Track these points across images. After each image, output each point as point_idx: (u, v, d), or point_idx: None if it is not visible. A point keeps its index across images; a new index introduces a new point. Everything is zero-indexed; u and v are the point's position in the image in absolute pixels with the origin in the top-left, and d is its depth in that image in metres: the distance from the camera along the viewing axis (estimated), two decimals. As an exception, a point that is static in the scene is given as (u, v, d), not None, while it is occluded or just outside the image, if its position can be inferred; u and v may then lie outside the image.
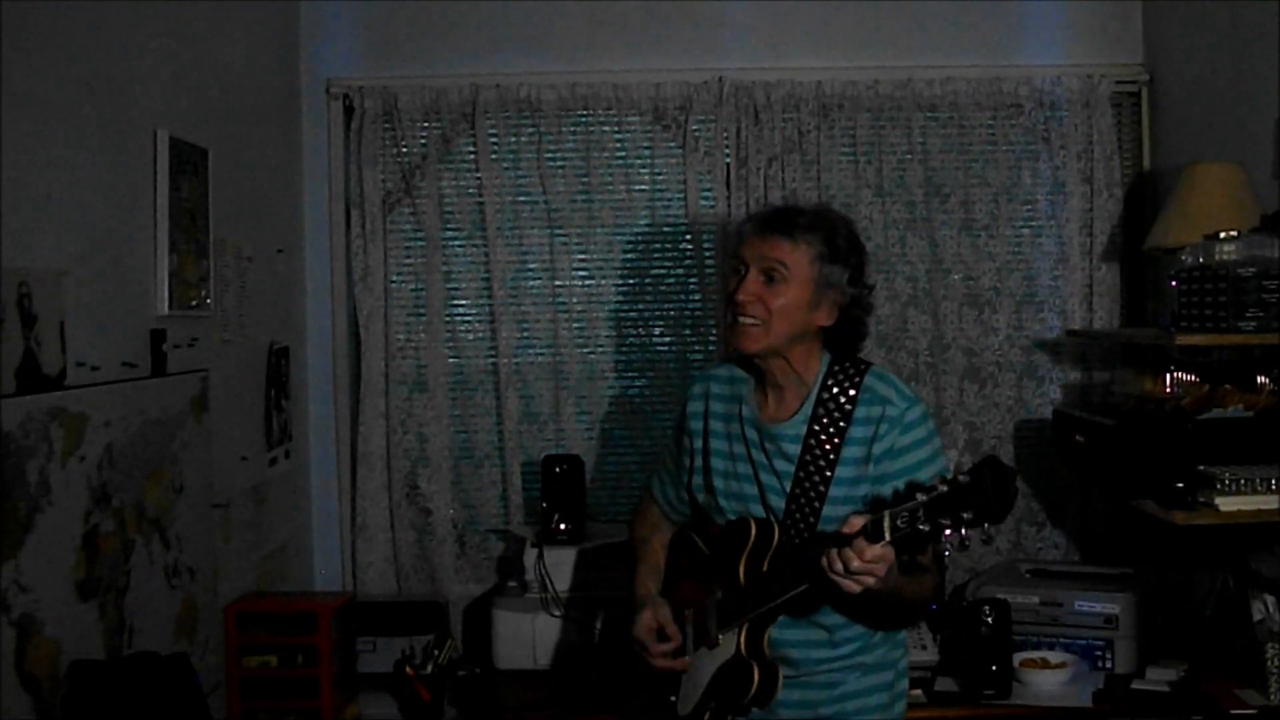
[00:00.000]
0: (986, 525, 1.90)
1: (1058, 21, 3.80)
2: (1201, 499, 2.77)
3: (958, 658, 3.14)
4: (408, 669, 3.27)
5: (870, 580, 2.01)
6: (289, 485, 3.58)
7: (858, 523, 2.01)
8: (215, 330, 3.02)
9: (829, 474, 2.24)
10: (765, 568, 2.24)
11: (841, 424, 2.25)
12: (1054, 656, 3.16)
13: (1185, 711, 2.94)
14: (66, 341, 2.28)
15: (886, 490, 2.18)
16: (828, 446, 2.25)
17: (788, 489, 2.28)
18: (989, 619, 3.04)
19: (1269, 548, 2.92)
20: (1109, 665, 3.20)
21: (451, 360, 3.83)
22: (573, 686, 3.18)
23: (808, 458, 2.26)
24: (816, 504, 2.24)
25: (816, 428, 2.26)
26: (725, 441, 2.38)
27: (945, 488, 1.91)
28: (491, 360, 3.81)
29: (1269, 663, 2.85)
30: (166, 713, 2.31)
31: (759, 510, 2.31)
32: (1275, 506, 2.70)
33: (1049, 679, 3.09)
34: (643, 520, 2.62)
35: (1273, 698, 2.85)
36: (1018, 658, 3.11)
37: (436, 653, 3.32)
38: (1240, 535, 2.94)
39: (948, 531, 1.92)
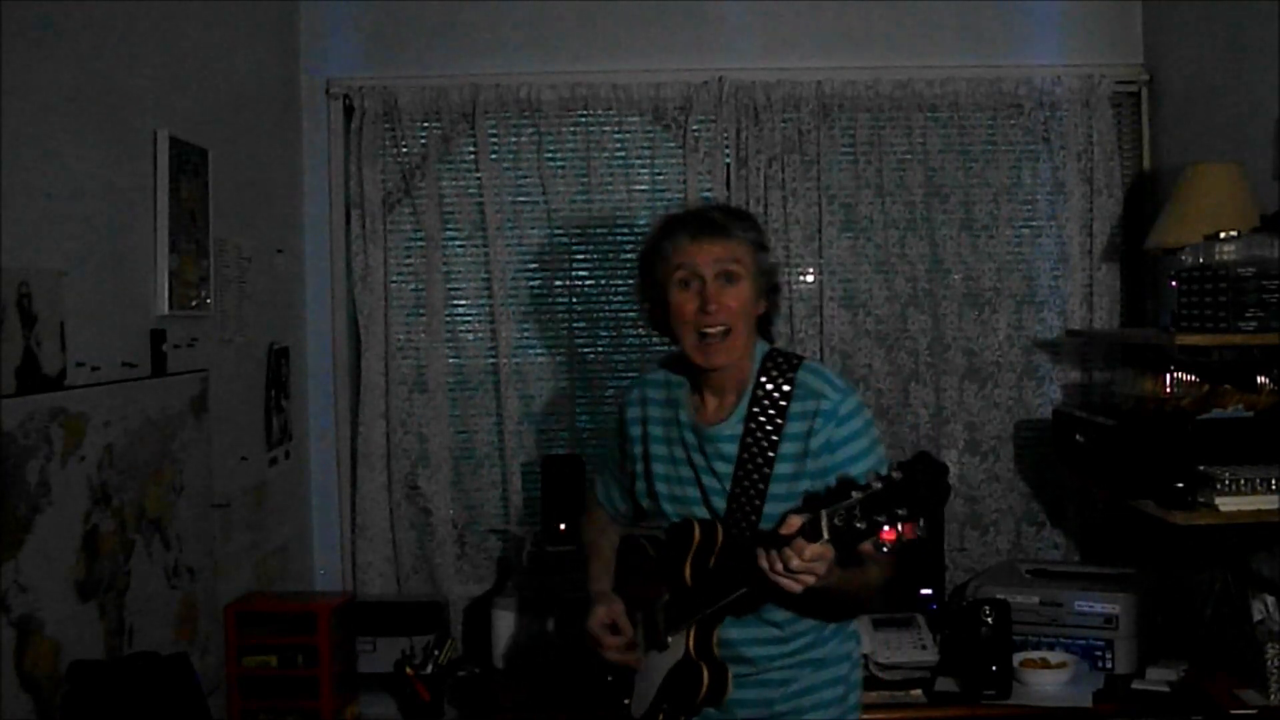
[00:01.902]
0: (921, 521, 1.92)
1: (1058, 21, 3.80)
2: (1201, 499, 2.77)
3: (958, 658, 3.14)
4: (408, 669, 3.27)
5: (811, 579, 2.01)
6: (289, 485, 3.58)
7: (795, 523, 2.01)
8: (215, 330, 3.02)
9: (767, 471, 2.24)
10: (710, 569, 2.24)
11: (777, 421, 2.25)
12: (1054, 656, 3.16)
13: (1185, 711, 2.94)
14: (66, 341, 2.28)
15: (828, 484, 2.18)
16: (765, 444, 2.25)
17: (728, 489, 2.28)
18: (989, 619, 3.04)
19: (1269, 548, 2.92)
20: (1109, 665, 3.20)
21: (451, 360, 3.83)
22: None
23: (745, 457, 2.26)
24: (757, 502, 2.25)
25: (753, 425, 2.26)
26: (665, 446, 2.38)
27: (880, 485, 1.92)
28: (491, 360, 3.81)
29: (1269, 663, 2.85)
30: (166, 713, 2.31)
31: (702, 512, 2.31)
32: (1275, 506, 2.70)
33: (1049, 679, 3.09)
34: (591, 523, 2.62)
35: (1273, 698, 2.85)
36: (1018, 658, 3.11)
37: (436, 653, 3.32)
38: (1240, 535, 2.94)
39: (885, 528, 1.93)
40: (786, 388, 2.27)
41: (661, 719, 2.32)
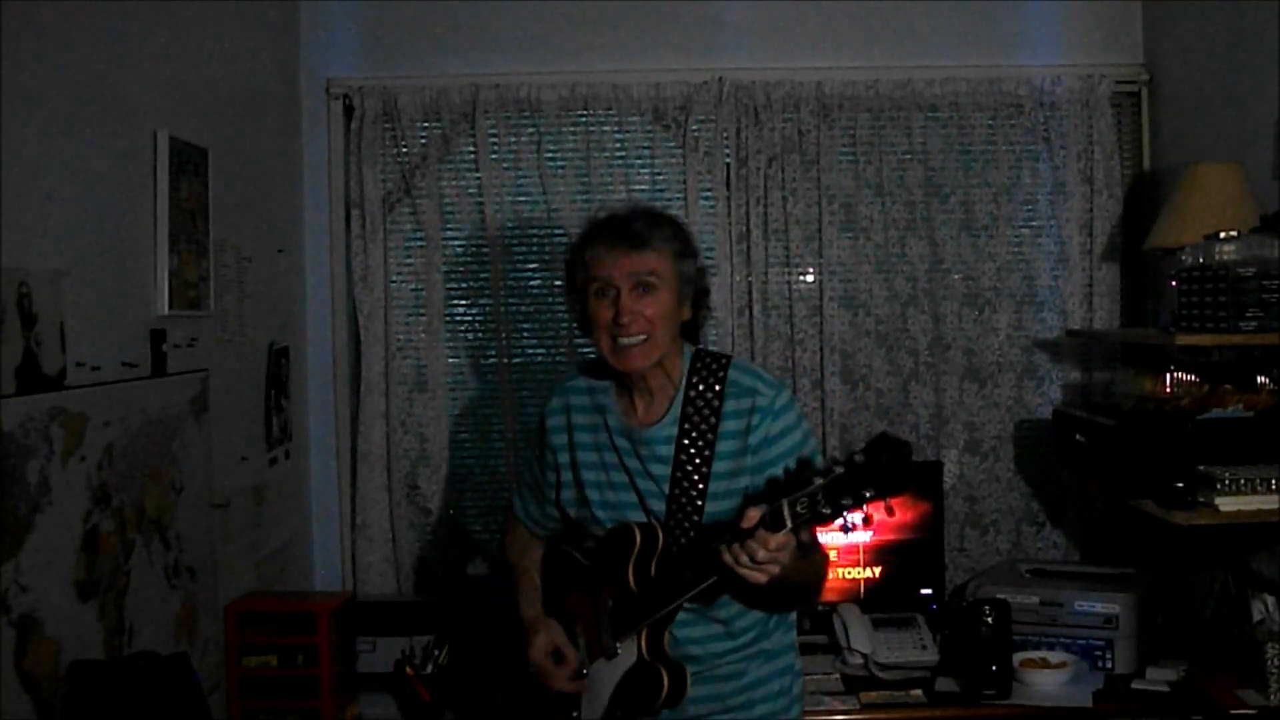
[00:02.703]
0: (888, 500, 1.94)
1: (1058, 21, 3.80)
2: (1201, 499, 2.77)
3: (958, 658, 3.14)
4: (408, 669, 3.27)
5: (776, 569, 2.02)
6: (289, 485, 3.58)
7: (756, 515, 2.01)
8: (215, 330, 3.02)
9: (706, 471, 2.24)
10: (654, 571, 2.23)
11: (712, 420, 2.26)
12: (1054, 656, 3.16)
13: (1185, 711, 2.94)
14: (66, 341, 2.28)
15: (771, 475, 2.19)
16: (701, 444, 2.25)
17: (666, 491, 2.27)
18: (989, 619, 3.04)
19: (1269, 548, 2.92)
20: (1109, 665, 3.20)
21: (451, 360, 3.83)
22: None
23: (682, 458, 2.26)
24: (699, 502, 2.24)
25: (687, 426, 2.26)
26: (594, 453, 2.36)
27: (842, 469, 1.93)
28: (491, 360, 3.82)
29: (1269, 663, 2.85)
30: (166, 713, 2.31)
31: (638, 515, 2.30)
32: (1275, 506, 2.70)
33: (1049, 679, 3.09)
34: (512, 542, 2.60)
35: (1273, 698, 2.85)
36: (1018, 658, 3.11)
37: (436, 653, 3.32)
38: (1240, 535, 2.94)
39: (848, 512, 1.93)
40: (718, 387, 2.28)
41: None
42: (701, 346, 2.38)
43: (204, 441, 2.86)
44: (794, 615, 2.44)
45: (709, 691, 2.31)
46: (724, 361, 2.31)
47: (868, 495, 1.91)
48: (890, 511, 2.05)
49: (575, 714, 2.38)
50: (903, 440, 1.91)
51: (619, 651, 2.29)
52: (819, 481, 1.95)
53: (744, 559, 2.01)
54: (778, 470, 2.19)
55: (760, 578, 2.03)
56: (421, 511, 3.80)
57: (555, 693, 2.40)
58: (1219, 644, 3.12)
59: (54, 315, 2.24)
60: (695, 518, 2.24)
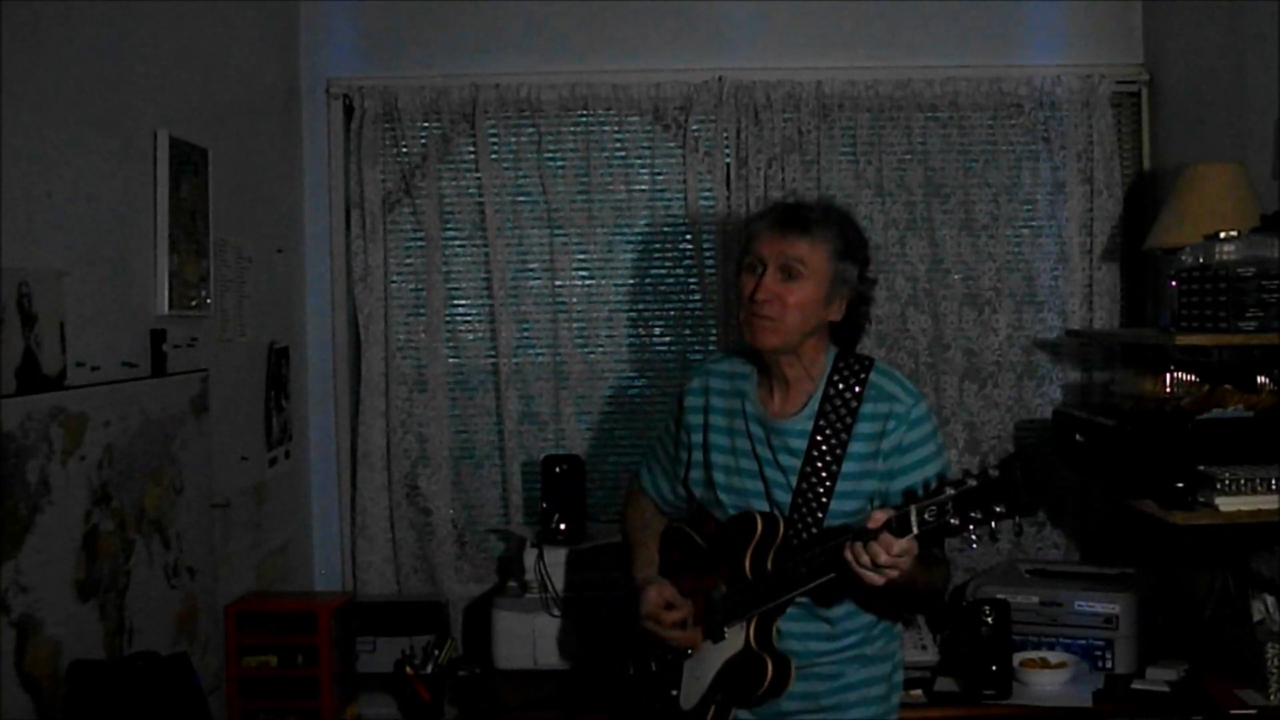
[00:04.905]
0: (1017, 519, 1.93)
1: (1058, 21, 3.80)
2: (1201, 499, 2.77)
3: (958, 658, 3.14)
4: (408, 669, 3.27)
5: (894, 573, 2.03)
6: (289, 485, 3.58)
7: (882, 517, 2.03)
8: (215, 330, 3.02)
9: (836, 469, 2.26)
10: (770, 562, 2.25)
11: (848, 420, 2.27)
12: (1054, 656, 3.16)
13: (1185, 711, 2.94)
14: (66, 341, 2.28)
15: (897, 485, 2.21)
16: (834, 442, 2.27)
17: (793, 484, 2.29)
18: (989, 619, 3.05)
19: (1269, 548, 2.92)
20: (1109, 665, 3.20)
21: (451, 360, 3.83)
22: (574, 687, 3.17)
23: (814, 453, 2.27)
24: (824, 499, 2.26)
25: (823, 423, 2.28)
26: (727, 436, 2.39)
27: (974, 482, 1.93)
28: (491, 360, 3.81)
29: (1269, 663, 2.85)
30: (166, 713, 2.31)
31: (762, 505, 2.32)
32: (1275, 506, 2.70)
33: (1049, 679, 3.09)
34: (636, 513, 2.62)
35: (1273, 698, 2.85)
36: (1018, 658, 3.12)
37: (436, 653, 3.32)
38: (1240, 535, 2.94)
39: (980, 526, 1.94)
40: (858, 388, 2.29)
41: (714, 711, 2.33)
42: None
43: (204, 441, 2.86)
44: (899, 627, 2.44)
45: (804, 689, 2.32)
46: (867, 364, 2.33)
47: (998, 511, 1.92)
48: (1020, 532, 2.03)
49: (674, 692, 2.39)
50: (1037, 459, 1.92)
51: (725, 636, 2.31)
52: (950, 492, 1.96)
53: (865, 559, 2.03)
54: (907, 481, 2.20)
55: (877, 580, 2.04)
56: (421, 511, 3.80)
57: (657, 654, 2.41)
58: (1219, 644, 3.12)
59: (54, 315, 2.24)
60: (819, 514, 2.26)
